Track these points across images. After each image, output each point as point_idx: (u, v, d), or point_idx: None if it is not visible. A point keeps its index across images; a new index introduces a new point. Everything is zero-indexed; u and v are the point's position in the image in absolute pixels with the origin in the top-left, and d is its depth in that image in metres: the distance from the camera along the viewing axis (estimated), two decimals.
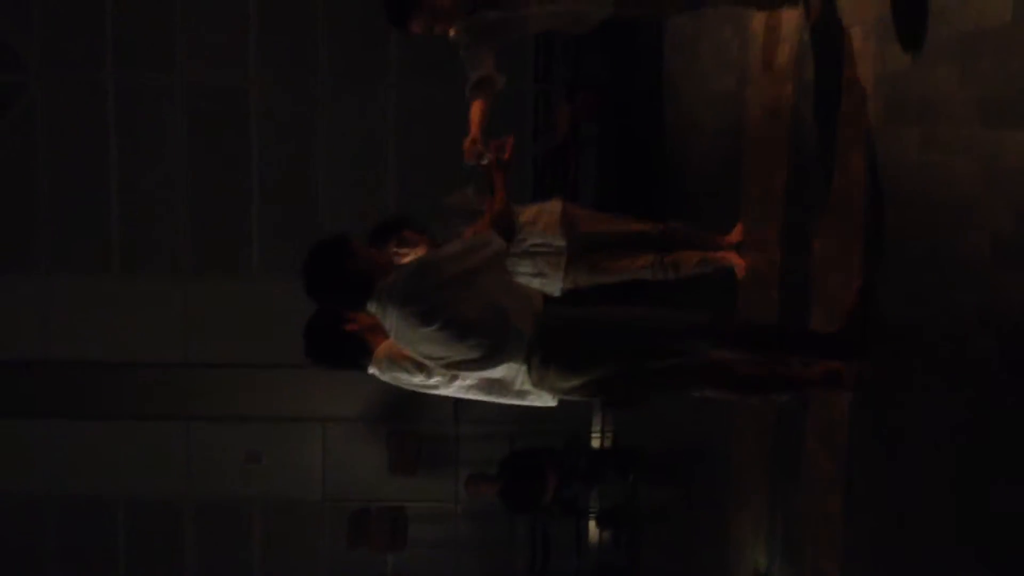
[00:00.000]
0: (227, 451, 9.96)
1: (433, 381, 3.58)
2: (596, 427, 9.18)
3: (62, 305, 9.65)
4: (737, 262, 5.00)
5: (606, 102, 8.79)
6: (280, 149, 9.73)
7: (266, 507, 10.00)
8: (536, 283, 4.99)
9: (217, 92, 9.62)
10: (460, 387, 3.51)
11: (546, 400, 3.41)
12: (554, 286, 5.07)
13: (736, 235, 5.06)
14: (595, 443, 9.40)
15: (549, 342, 3.28)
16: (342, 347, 3.70)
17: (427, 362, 3.47)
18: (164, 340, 9.82)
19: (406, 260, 4.96)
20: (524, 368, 3.29)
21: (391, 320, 3.37)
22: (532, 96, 9.58)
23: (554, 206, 5.11)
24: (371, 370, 3.75)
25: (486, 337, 3.30)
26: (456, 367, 3.38)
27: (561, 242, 4.98)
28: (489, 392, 3.47)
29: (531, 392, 3.37)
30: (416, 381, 3.68)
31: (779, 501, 4.38)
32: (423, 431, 9.62)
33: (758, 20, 4.73)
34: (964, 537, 2.67)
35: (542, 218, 5.03)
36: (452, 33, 4.18)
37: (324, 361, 3.72)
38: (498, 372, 3.34)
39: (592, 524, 9.19)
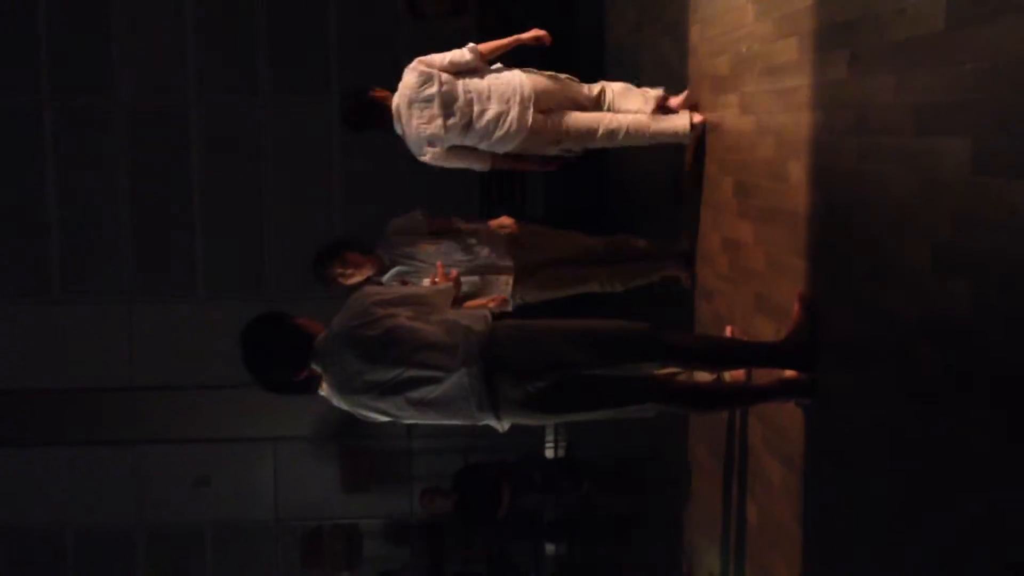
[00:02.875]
0: (176, 475, 9.84)
1: (381, 404, 3.54)
2: (549, 438, 9.19)
3: (1, 333, 9.47)
4: (683, 273, 5.03)
5: None
6: (222, 170, 9.63)
7: (218, 530, 9.88)
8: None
9: (157, 114, 9.51)
10: (407, 404, 3.45)
11: (495, 422, 3.38)
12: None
13: (681, 246, 5.09)
14: (548, 454, 9.41)
15: (500, 351, 3.27)
16: (284, 344, 3.64)
17: (379, 403, 3.42)
18: (109, 364, 9.68)
19: (351, 282, 4.96)
20: (474, 384, 3.26)
21: (336, 364, 3.36)
22: None
23: (500, 225, 5.11)
24: (322, 392, 3.72)
25: (435, 346, 3.28)
26: (408, 386, 3.34)
27: (508, 262, 4.99)
28: (439, 412, 3.42)
29: (479, 412, 3.34)
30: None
31: (732, 509, 4.39)
32: (376, 447, 9.56)
33: (696, 32, 4.77)
34: (917, 546, 2.69)
35: (488, 238, 5.03)
36: None
37: (276, 388, 3.67)
38: (448, 389, 3.31)
39: (548, 535, 9.20)
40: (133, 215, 9.60)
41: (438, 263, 4.38)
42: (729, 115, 4.35)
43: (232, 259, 9.75)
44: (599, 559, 8.11)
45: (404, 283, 4.14)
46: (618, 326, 3.34)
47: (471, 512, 8.29)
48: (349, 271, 4.98)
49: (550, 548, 9.08)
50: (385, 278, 5.04)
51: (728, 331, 3.99)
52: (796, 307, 3.39)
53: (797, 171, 3.52)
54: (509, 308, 4.98)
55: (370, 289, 3.59)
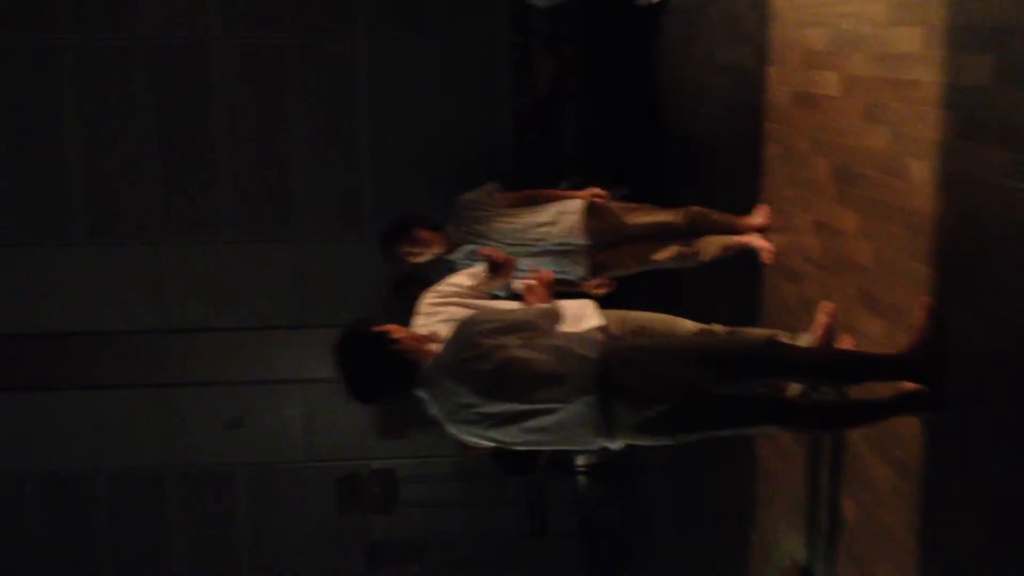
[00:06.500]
0: (207, 417, 9.78)
1: (493, 434, 3.40)
2: None
3: (29, 276, 9.32)
4: (762, 246, 4.89)
5: (591, 61, 8.50)
6: (247, 108, 9.38)
7: (250, 472, 9.86)
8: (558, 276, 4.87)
9: (180, 50, 9.22)
10: (521, 432, 3.33)
11: (611, 443, 3.29)
12: (575, 277, 4.95)
13: (760, 218, 4.94)
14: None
15: (616, 377, 3.16)
16: (389, 373, 3.48)
17: (491, 432, 3.31)
18: (137, 307, 9.56)
19: (420, 260, 4.83)
20: (591, 413, 3.15)
21: (446, 395, 3.25)
22: (507, 47, 9.29)
23: (576, 205, 4.95)
24: (420, 393, 3.59)
25: (549, 378, 3.16)
26: (522, 418, 3.23)
27: (583, 240, 4.85)
28: (553, 439, 3.31)
29: (597, 436, 3.23)
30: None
31: (821, 500, 4.31)
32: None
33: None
34: None
35: (564, 219, 4.89)
36: None
37: (370, 396, 3.54)
38: (564, 419, 3.20)
39: (583, 480, 9.18)
40: (158, 155, 9.38)
41: (529, 268, 4.16)
42: (827, 94, 4.16)
43: (259, 199, 9.57)
44: (650, 515, 8.11)
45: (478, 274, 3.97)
46: (738, 343, 3.23)
47: (512, 461, 8.24)
48: (418, 249, 4.87)
49: (586, 492, 9.04)
50: (455, 256, 4.90)
51: (844, 341, 3.84)
52: (921, 315, 3.25)
53: (920, 171, 3.36)
54: (611, 288, 4.87)
55: (478, 317, 3.44)
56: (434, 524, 9.41)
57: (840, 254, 4.05)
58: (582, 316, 3.47)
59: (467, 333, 3.29)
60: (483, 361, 3.20)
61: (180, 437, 9.78)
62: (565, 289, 4.56)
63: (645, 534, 8.10)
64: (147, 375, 9.69)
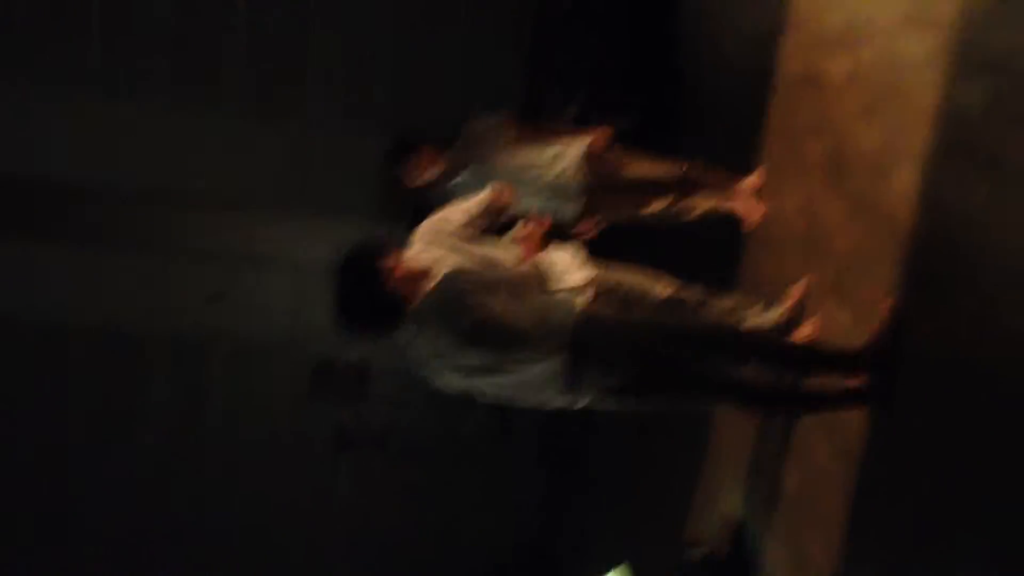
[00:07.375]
0: (190, 286, 9.91)
1: (464, 383, 3.53)
2: None
3: (32, 121, 9.34)
4: (750, 213, 5.00)
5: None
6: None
7: (227, 347, 10.03)
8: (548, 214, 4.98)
9: None
10: (491, 385, 3.48)
11: (574, 403, 3.45)
12: (566, 217, 5.06)
13: (756, 180, 5.03)
14: None
15: (592, 340, 3.32)
16: (376, 314, 3.59)
17: (462, 381, 3.45)
18: (130, 166, 9.58)
19: (421, 178, 4.94)
20: (561, 373, 3.31)
21: (425, 340, 3.36)
22: None
23: (577, 148, 5.04)
24: (403, 332, 3.70)
25: (527, 338, 3.30)
26: (495, 371, 3.38)
27: (578, 184, 4.96)
28: (519, 393, 3.47)
29: (563, 395, 3.40)
30: None
31: (765, 470, 4.50)
32: None
33: None
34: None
35: (563, 160, 4.98)
36: None
37: (357, 327, 3.66)
38: (534, 376, 3.35)
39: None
40: (172, 14, 9.36)
41: (534, 220, 4.18)
42: (833, 81, 4.24)
43: (271, 77, 9.57)
44: (599, 453, 8.35)
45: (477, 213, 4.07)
46: (705, 324, 3.39)
47: None
48: (422, 167, 4.97)
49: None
50: (454, 182, 5.00)
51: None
52: (884, 315, 3.41)
53: (903, 179, 3.48)
54: (600, 230, 5.00)
55: (465, 268, 3.51)
56: (401, 418, 9.66)
57: (821, 238, 4.18)
58: (566, 271, 3.59)
59: (452, 286, 3.39)
60: (465, 315, 3.31)
61: (160, 303, 9.91)
62: (554, 229, 4.66)
63: (601, 455, 8.37)
64: (134, 237, 9.77)
